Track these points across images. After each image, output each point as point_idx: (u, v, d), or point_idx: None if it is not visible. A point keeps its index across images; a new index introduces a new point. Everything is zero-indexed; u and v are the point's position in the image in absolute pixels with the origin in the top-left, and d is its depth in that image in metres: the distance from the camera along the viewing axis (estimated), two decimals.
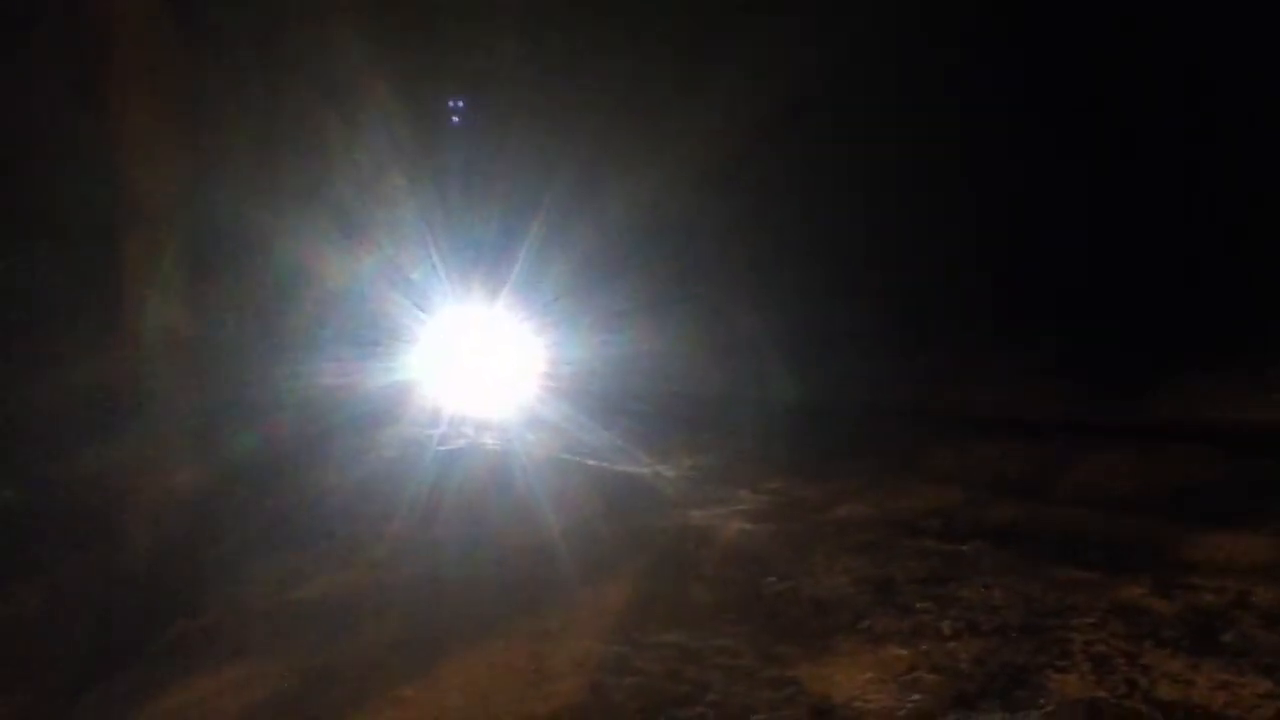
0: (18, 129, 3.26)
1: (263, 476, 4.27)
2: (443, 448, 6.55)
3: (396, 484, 4.87)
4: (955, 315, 9.38)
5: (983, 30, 8.83)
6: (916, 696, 2.17)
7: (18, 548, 2.89)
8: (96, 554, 3.14)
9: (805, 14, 10.16)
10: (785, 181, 11.54)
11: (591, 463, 6.09)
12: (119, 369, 3.61)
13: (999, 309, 8.90)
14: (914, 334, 9.80)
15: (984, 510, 4.38)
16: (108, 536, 3.28)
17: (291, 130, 5.73)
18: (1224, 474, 4.39)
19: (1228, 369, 6.63)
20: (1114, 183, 7.95)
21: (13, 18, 3.29)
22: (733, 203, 12.36)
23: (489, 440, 7.54)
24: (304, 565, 3.38)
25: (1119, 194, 7.92)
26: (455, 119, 13.40)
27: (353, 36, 6.66)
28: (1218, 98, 7.27)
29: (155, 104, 3.97)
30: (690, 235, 13.31)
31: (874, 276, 10.49)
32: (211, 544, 3.50)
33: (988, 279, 9.03)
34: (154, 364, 3.89)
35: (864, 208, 10.58)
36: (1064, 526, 3.99)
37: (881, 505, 4.66)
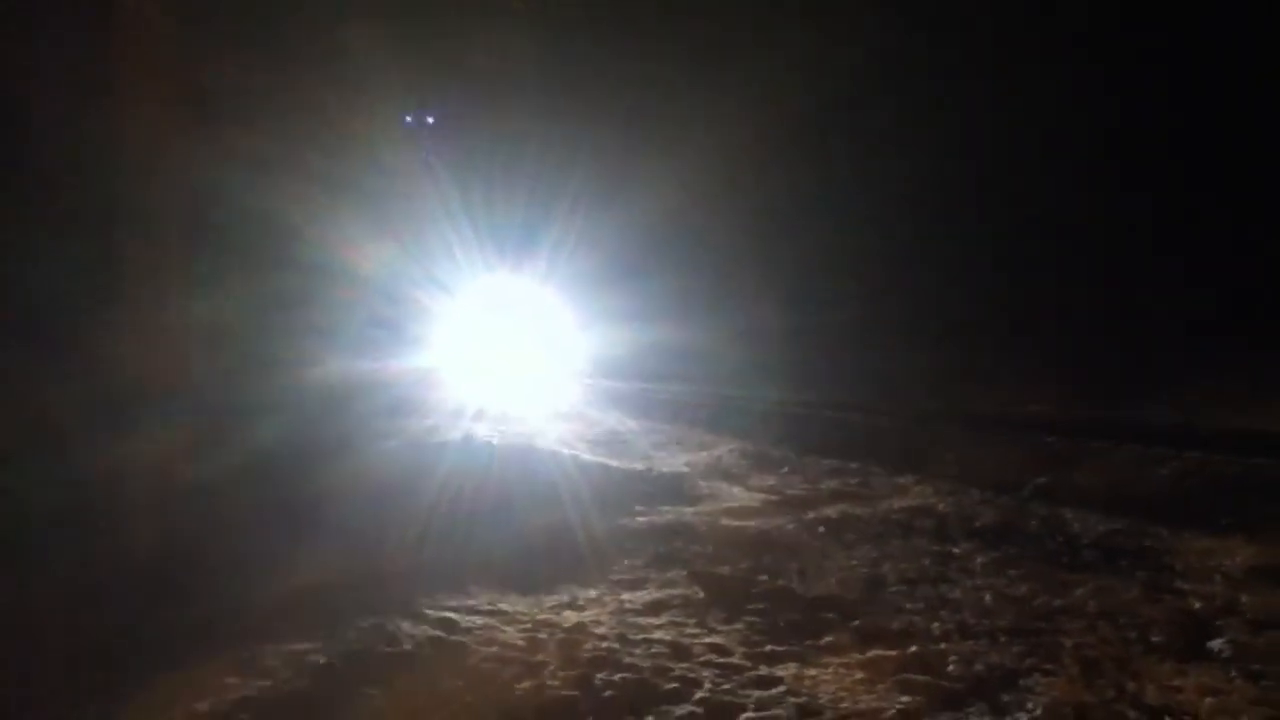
0: (31, 121, 3.26)
1: (279, 467, 4.26)
2: (452, 439, 6.58)
3: (412, 476, 4.84)
4: (960, 316, 9.44)
5: (993, 38, 8.85)
6: (905, 698, 2.18)
7: (20, 539, 2.89)
8: (101, 544, 3.15)
9: (827, 23, 10.23)
10: (803, 186, 11.67)
11: (587, 458, 6.11)
12: (139, 361, 3.63)
13: (1002, 311, 8.95)
14: (919, 334, 9.86)
15: (977, 511, 4.39)
16: (113, 526, 3.28)
17: (313, 121, 5.72)
18: (1217, 479, 4.41)
19: (1225, 375, 6.65)
20: (1115, 189, 7.96)
21: (19, 13, 3.29)
22: (753, 206, 12.51)
23: (486, 431, 7.55)
24: (312, 556, 3.38)
25: (1121, 200, 7.93)
26: (430, 119, 13.50)
27: (369, 33, 6.66)
28: (1218, 100, 7.26)
29: (171, 96, 3.96)
30: (710, 237, 13.47)
31: (883, 278, 10.58)
32: (220, 535, 3.50)
33: (991, 282, 9.08)
34: (173, 355, 3.91)
35: (877, 212, 10.69)
36: (1056, 528, 4.01)
37: (874, 504, 4.68)
